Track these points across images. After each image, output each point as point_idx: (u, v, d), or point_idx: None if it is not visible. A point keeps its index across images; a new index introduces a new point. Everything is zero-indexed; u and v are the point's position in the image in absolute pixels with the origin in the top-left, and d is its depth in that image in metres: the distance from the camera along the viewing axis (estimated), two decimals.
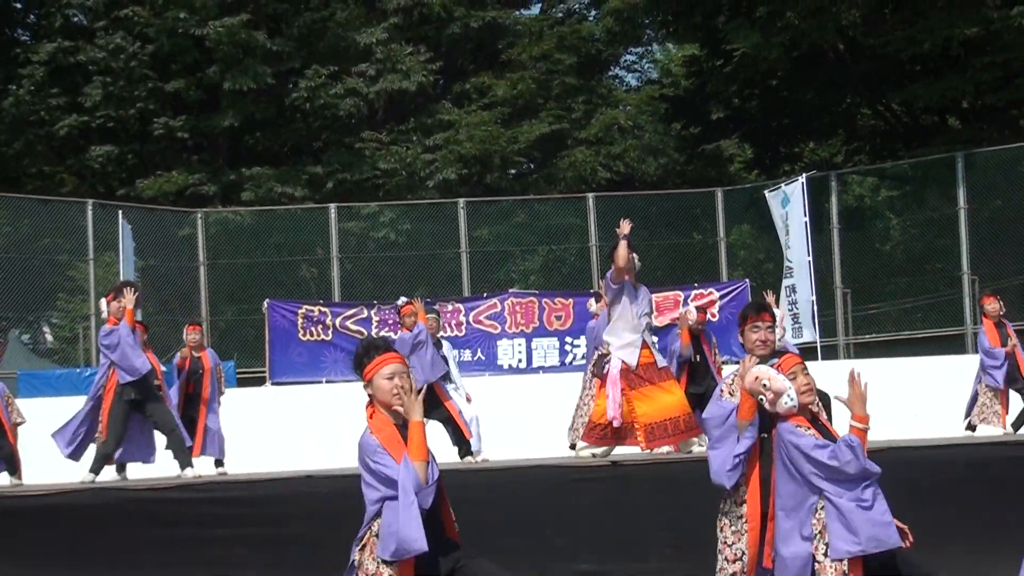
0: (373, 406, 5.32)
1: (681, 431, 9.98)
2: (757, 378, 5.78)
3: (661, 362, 10.04)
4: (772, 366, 5.84)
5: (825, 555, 5.50)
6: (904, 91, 22.47)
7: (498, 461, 11.21)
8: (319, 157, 25.83)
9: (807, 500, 5.57)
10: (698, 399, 11.54)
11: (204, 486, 9.45)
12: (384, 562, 5.09)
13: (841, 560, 5.45)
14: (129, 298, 10.91)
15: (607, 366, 10.01)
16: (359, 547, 5.20)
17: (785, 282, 19.36)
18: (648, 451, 10.24)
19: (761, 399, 5.75)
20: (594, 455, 10.24)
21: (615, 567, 8.49)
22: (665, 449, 10.29)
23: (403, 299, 12.45)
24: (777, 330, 6.28)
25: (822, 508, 5.53)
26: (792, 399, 5.65)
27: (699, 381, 12.00)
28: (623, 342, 9.94)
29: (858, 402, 5.59)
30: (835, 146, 28.83)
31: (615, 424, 9.85)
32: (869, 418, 5.58)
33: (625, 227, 9.92)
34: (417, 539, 4.95)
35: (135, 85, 24.49)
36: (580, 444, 10.51)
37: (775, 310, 6.39)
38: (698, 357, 12.25)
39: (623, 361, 9.90)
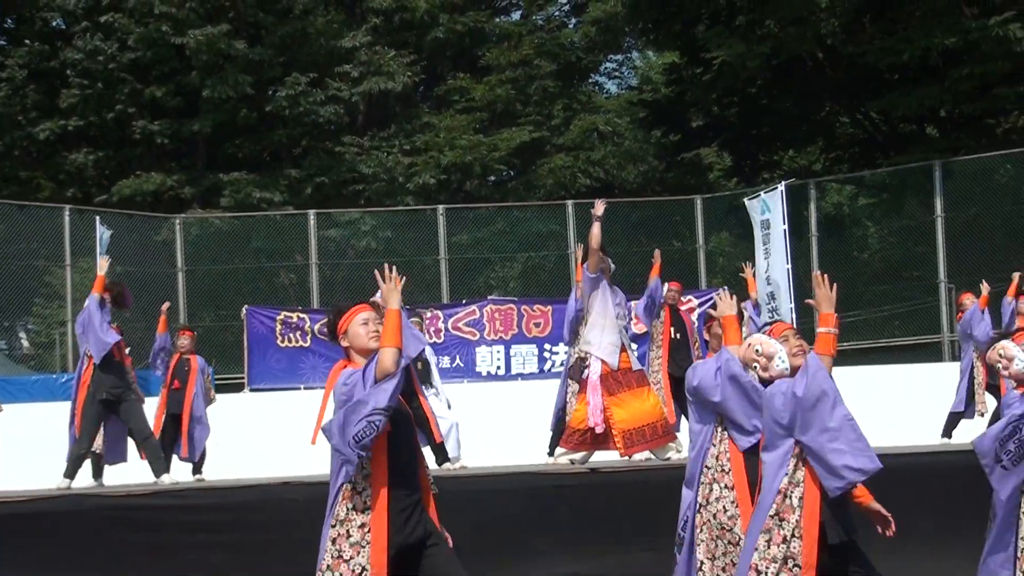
0: (347, 359, 5.28)
1: (658, 436, 9.98)
2: (749, 345, 5.78)
3: (636, 366, 10.03)
4: (764, 332, 5.86)
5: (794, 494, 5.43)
6: (882, 100, 22.58)
7: (476, 467, 11.20)
8: (299, 163, 25.79)
9: (786, 449, 5.43)
10: (678, 383, 11.46)
11: (181, 492, 9.41)
12: (355, 508, 5.04)
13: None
14: (102, 263, 10.83)
15: (586, 371, 9.98)
16: (335, 494, 5.13)
17: (766, 289, 19.38)
18: (626, 457, 10.24)
19: (755, 367, 5.75)
20: (572, 461, 10.22)
21: (593, 572, 8.50)
22: (643, 456, 10.29)
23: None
24: (744, 329, 6.29)
25: (799, 454, 5.38)
26: (783, 361, 5.64)
27: (679, 362, 11.83)
28: (605, 342, 9.91)
29: (825, 302, 5.42)
30: (814, 154, 28.93)
31: (598, 430, 9.83)
32: (836, 320, 5.40)
33: (599, 208, 9.91)
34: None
35: (114, 88, 24.41)
36: (559, 450, 10.48)
37: (750, 300, 6.42)
38: (678, 335, 12.14)
39: (603, 363, 9.87)
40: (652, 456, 10.28)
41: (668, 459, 10.05)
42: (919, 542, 6.48)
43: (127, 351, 11.42)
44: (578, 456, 10.19)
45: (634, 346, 10.34)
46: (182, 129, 24.72)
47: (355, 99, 25.94)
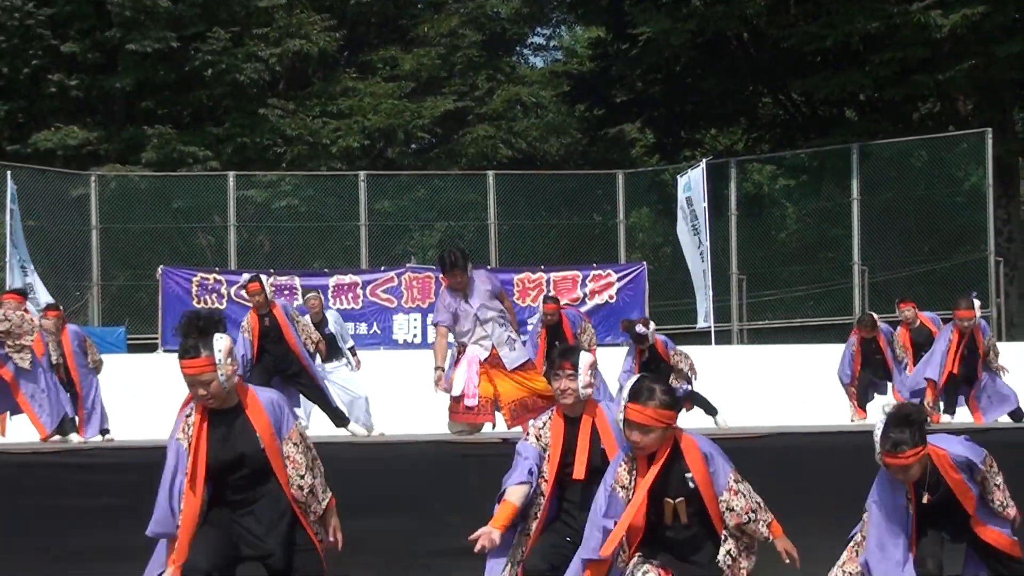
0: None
1: (539, 408, 9.77)
2: None
3: (511, 364, 9.62)
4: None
5: None
6: (805, 82, 22.81)
7: (392, 436, 11.18)
8: (220, 122, 25.41)
9: None
10: None
11: (90, 452, 9.27)
12: None
13: None
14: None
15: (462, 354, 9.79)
16: None
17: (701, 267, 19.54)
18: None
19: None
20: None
21: None
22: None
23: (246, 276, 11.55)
24: (581, 377, 5.93)
25: None
26: None
27: None
28: (474, 340, 9.69)
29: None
30: (736, 134, 29.16)
31: (467, 403, 9.58)
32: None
33: None
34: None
35: (29, 43, 23.82)
36: (450, 424, 10.17)
37: (584, 355, 6.10)
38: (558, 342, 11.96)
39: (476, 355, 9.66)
40: None
41: None
42: (833, 522, 6.57)
43: None
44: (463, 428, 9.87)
45: (508, 334, 9.92)
46: (100, 84, 24.21)
47: (273, 60, 25.52)
